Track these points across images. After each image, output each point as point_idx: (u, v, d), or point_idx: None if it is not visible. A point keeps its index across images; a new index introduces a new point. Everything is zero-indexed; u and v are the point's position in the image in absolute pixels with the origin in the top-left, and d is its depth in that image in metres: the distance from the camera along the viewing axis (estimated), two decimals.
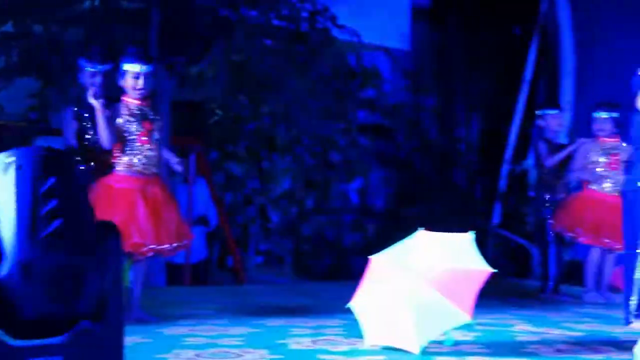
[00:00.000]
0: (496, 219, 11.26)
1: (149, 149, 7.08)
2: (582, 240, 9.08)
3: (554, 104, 9.56)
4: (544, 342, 6.27)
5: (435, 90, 11.33)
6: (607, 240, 8.68)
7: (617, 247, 8.41)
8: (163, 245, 7.05)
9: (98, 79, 7.26)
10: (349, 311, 5.97)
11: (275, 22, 10.09)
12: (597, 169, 9.04)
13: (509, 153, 11.26)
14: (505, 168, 11.29)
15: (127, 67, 7.04)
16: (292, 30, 10.09)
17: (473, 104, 11.40)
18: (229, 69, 10.07)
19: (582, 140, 9.15)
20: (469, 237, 5.85)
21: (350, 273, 6.02)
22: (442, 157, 11.28)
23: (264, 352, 5.62)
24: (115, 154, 7.04)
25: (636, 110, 6.89)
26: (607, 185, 9.00)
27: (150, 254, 7.03)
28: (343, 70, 10.29)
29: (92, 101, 6.89)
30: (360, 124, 10.66)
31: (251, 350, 5.68)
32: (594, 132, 9.11)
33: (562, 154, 9.18)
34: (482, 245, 10.68)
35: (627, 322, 6.84)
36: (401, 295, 5.66)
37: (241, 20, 9.88)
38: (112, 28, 9.20)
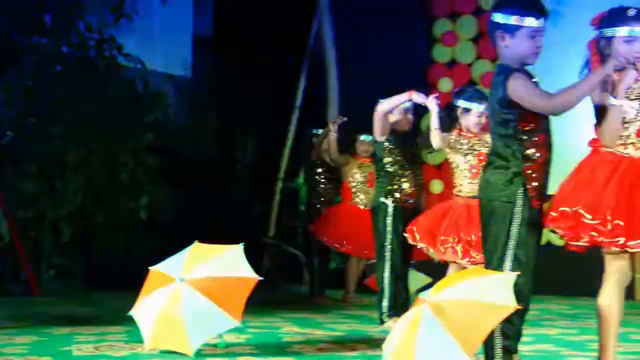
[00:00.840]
0: (271, 231, 11.35)
1: None
2: (344, 250, 9.29)
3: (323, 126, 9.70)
4: (308, 342, 6.37)
5: (215, 114, 11.32)
6: (365, 251, 8.88)
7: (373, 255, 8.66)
8: None
9: None
10: (131, 318, 5.91)
11: (65, 49, 9.89)
12: (352, 184, 9.30)
13: (282, 172, 11.38)
14: (279, 185, 11.40)
15: None
16: (81, 57, 9.91)
17: (250, 127, 11.46)
18: (22, 92, 9.81)
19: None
20: (239, 248, 5.87)
21: (139, 283, 5.93)
22: (222, 175, 11.28)
23: (47, 359, 5.46)
24: None
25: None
26: (360, 200, 9.27)
27: None
28: (130, 95, 10.15)
29: None
30: (147, 144, 10.52)
31: (35, 358, 5.54)
32: (358, 153, 9.36)
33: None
34: (259, 255, 10.79)
35: (382, 322, 7.02)
36: (175, 302, 5.65)
37: (32, 47, 9.65)
38: None
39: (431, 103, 6.78)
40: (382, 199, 7.08)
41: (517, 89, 4.66)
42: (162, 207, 10.65)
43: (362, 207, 9.17)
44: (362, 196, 9.30)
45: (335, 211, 9.48)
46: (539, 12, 4.79)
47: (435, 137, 6.73)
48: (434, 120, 6.78)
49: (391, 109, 7.05)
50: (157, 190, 10.54)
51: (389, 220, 7.03)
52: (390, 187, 7.09)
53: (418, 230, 6.79)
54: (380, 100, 7.12)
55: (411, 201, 7.18)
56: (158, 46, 10.63)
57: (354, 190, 9.36)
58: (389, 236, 7.04)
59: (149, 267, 5.99)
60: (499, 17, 4.79)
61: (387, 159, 7.14)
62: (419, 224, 6.83)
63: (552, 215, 4.65)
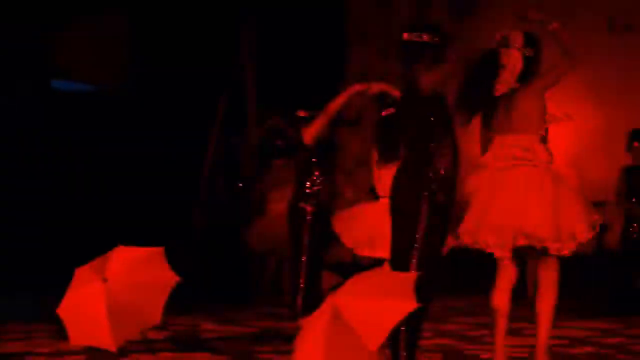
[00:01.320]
0: (194, 234, 11.26)
1: None
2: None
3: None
4: (225, 338, 6.35)
5: (144, 124, 11.17)
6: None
7: None
8: None
9: None
10: (57, 316, 5.83)
11: None
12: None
13: (205, 178, 11.29)
14: (201, 193, 11.32)
15: None
16: None
17: (177, 139, 11.34)
18: None
19: None
20: (160, 250, 5.85)
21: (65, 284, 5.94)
22: (147, 181, 11.15)
23: None
24: None
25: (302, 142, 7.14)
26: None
27: None
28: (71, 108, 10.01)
29: None
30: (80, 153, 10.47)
31: None
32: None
33: None
34: (179, 257, 10.66)
35: (295, 319, 7.03)
36: (99, 301, 5.59)
37: None
38: None
39: (375, 88, 6.64)
40: (300, 203, 7.09)
41: None
42: (86, 212, 10.54)
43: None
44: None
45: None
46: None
47: None
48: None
49: (340, 108, 7.03)
50: (85, 194, 10.43)
51: (307, 224, 7.05)
52: (310, 192, 7.10)
53: None
54: (305, 113, 7.17)
55: (328, 206, 7.21)
56: (92, 62, 10.50)
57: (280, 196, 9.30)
58: (305, 239, 7.05)
59: (75, 268, 5.94)
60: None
61: (311, 166, 7.13)
62: None
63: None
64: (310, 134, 7.00)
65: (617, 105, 9.85)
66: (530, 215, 4.70)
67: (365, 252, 6.80)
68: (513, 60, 4.97)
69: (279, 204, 9.23)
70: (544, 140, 4.95)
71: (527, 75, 4.94)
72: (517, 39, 4.99)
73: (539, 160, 4.86)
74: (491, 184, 4.87)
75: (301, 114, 7.19)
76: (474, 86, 5.00)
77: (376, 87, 6.60)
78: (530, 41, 5.00)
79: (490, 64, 4.96)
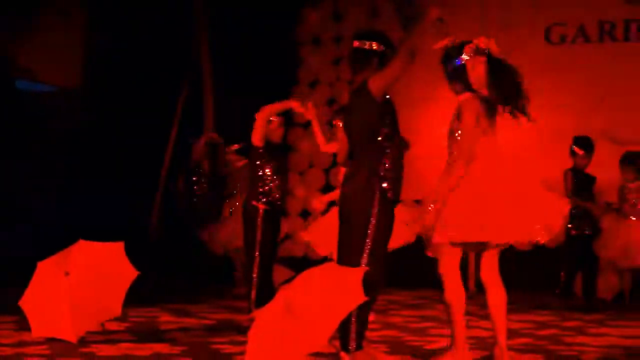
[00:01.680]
0: (152, 230, 11.22)
1: None
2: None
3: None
4: (182, 330, 6.34)
5: (104, 123, 11.08)
6: None
7: None
8: None
9: None
10: (20, 308, 5.83)
11: None
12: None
13: (163, 178, 11.24)
14: (161, 190, 11.28)
15: None
16: None
17: (136, 135, 11.26)
18: None
19: None
20: (120, 246, 5.83)
21: (27, 278, 5.87)
22: (109, 179, 11.07)
23: None
24: None
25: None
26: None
27: None
28: (27, 105, 9.89)
29: None
30: (41, 150, 10.34)
31: None
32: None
33: None
34: (139, 252, 10.61)
35: (250, 311, 7.03)
36: (60, 294, 5.58)
37: None
38: None
39: (310, 113, 6.84)
40: (254, 202, 7.09)
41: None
42: (51, 207, 10.44)
43: None
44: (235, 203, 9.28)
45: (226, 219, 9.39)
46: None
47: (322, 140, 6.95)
48: (316, 127, 7.06)
49: (275, 113, 7.06)
50: (46, 192, 10.33)
51: (260, 221, 7.05)
52: (262, 191, 7.10)
53: None
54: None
55: (279, 204, 7.22)
56: (53, 61, 10.39)
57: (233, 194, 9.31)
58: (258, 236, 7.06)
59: (38, 262, 5.90)
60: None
61: (261, 165, 7.13)
62: None
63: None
64: (255, 135, 7.05)
65: (551, 112, 9.98)
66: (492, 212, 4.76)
67: None
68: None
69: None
70: None
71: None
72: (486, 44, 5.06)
73: None
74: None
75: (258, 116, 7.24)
76: None
77: (311, 114, 6.77)
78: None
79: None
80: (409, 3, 9.80)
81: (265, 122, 7.02)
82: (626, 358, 5.40)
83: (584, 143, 8.67)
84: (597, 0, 9.83)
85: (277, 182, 7.13)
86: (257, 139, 7.03)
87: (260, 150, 7.07)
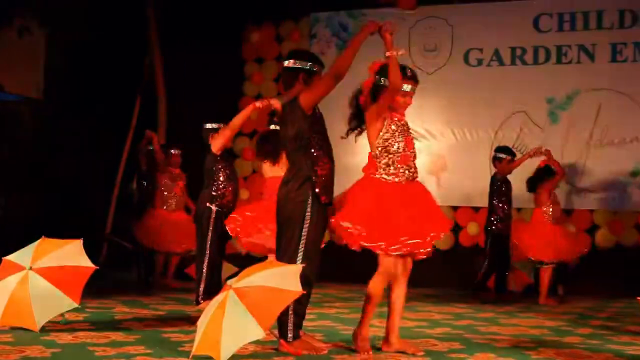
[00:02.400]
0: (108, 229, 11.10)
1: None
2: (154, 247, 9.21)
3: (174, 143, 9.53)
4: (136, 320, 6.29)
5: (64, 132, 10.91)
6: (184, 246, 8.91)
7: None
8: None
9: None
10: None
11: None
12: (166, 193, 9.20)
13: (118, 180, 11.15)
14: (116, 191, 11.16)
15: None
16: None
17: (93, 142, 11.14)
18: None
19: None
20: (79, 242, 5.77)
21: None
22: (69, 181, 10.91)
23: None
24: None
25: (209, 150, 7.10)
26: (169, 205, 9.16)
27: None
28: None
29: None
30: (4, 156, 10.15)
31: None
32: (170, 164, 9.28)
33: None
34: (96, 248, 10.51)
35: (197, 303, 6.99)
36: (24, 286, 5.51)
37: None
38: None
39: (275, 103, 6.62)
40: (208, 204, 7.07)
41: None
42: (15, 207, 10.27)
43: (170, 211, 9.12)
44: (172, 201, 9.20)
45: (149, 215, 9.25)
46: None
47: None
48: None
49: (242, 124, 7.08)
50: (13, 194, 10.16)
51: (212, 221, 7.04)
52: (215, 194, 7.09)
53: None
54: (208, 126, 7.17)
55: (230, 206, 7.22)
56: (15, 73, 10.22)
57: (166, 194, 9.22)
58: (210, 235, 7.04)
59: (2, 257, 5.80)
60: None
61: (217, 171, 7.12)
62: None
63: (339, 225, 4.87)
64: (217, 144, 7.02)
65: (470, 125, 10.13)
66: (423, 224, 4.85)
67: None
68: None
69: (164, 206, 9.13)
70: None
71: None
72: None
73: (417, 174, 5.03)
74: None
75: (207, 125, 7.23)
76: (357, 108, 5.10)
77: (275, 103, 6.62)
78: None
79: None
80: None
81: (233, 135, 7.03)
82: (534, 345, 5.50)
83: (508, 150, 8.85)
84: (509, 29, 10.00)
85: (229, 187, 7.13)
86: (218, 148, 7.03)
87: (218, 158, 7.07)
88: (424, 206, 4.95)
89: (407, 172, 4.95)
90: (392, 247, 4.80)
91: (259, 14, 10.96)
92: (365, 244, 4.81)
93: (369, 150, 5.01)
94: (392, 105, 4.97)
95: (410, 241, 4.82)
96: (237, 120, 6.91)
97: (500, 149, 8.86)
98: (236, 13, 10.81)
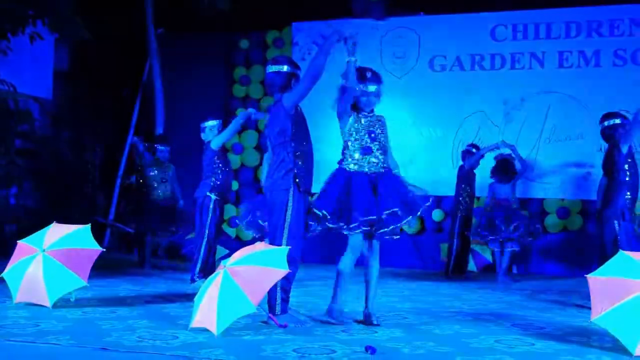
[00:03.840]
0: (111, 215, 11.02)
1: None
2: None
3: (161, 140, 9.23)
4: (139, 297, 6.27)
5: (71, 127, 10.84)
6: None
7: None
8: None
9: None
10: (2, 279, 5.70)
11: None
12: (155, 185, 8.94)
13: (120, 171, 11.07)
14: (118, 181, 11.08)
15: None
16: None
17: (98, 138, 11.07)
18: None
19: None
20: (87, 227, 5.73)
21: (7, 251, 5.73)
22: (75, 173, 10.84)
23: None
24: None
25: (208, 146, 7.09)
26: (158, 194, 8.97)
27: None
28: (4, 110, 9.56)
29: None
30: (17, 148, 10.02)
31: None
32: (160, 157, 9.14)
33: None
34: (102, 233, 10.44)
35: (193, 281, 6.97)
36: (37, 267, 5.51)
37: None
38: None
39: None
40: (208, 193, 7.09)
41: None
42: (28, 195, 10.18)
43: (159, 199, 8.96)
44: (159, 191, 9.02)
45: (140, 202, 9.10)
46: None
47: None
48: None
49: (240, 127, 7.16)
50: (24, 183, 10.06)
51: (211, 207, 7.05)
52: (214, 185, 7.12)
53: None
54: (208, 124, 7.14)
55: (225, 195, 7.30)
56: (27, 75, 10.10)
57: (155, 186, 9.04)
58: (209, 220, 7.05)
59: (18, 241, 5.75)
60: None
61: (216, 165, 7.16)
62: None
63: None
64: (218, 141, 7.08)
65: (434, 124, 10.15)
66: (380, 205, 4.84)
67: None
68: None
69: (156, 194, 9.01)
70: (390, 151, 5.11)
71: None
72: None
73: (386, 165, 5.01)
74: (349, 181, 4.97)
75: (206, 123, 7.26)
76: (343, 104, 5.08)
77: (256, 115, 6.78)
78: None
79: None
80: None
81: (233, 135, 7.09)
82: (493, 317, 5.53)
83: (476, 145, 8.92)
84: (469, 38, 10.02)
85: (225, 178, 7.20)
86: (217, 144, 7.07)
87: (219, 154, 7.13)
88: (387, 191, 4.93)
89: (371, 161, 4.96)
90: (351, 226, 4.83)
91: (246, 24, 10.91)
92: (330, 225, 4.86)
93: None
94: (356, 103, 5.01)
95: (364, 218, 4.82)
96: (235, 126, 7.03)
97: (473, 145, 8.96)
98: (227, 23, 10.75)
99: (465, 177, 8.73)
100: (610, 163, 6.45)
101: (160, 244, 9.51)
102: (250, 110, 6.96)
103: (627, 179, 6.34)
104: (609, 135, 6.58)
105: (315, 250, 9.31)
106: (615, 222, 6.24)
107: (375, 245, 5.06)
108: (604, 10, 9.53)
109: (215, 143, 7.08)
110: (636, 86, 9.17)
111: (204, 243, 7.01)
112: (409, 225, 4.99)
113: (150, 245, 9.00)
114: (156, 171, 8.96)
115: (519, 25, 9.89)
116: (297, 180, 4.89)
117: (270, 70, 5.07)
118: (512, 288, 7.69)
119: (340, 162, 5.08)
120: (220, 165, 7.16)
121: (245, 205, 7.49)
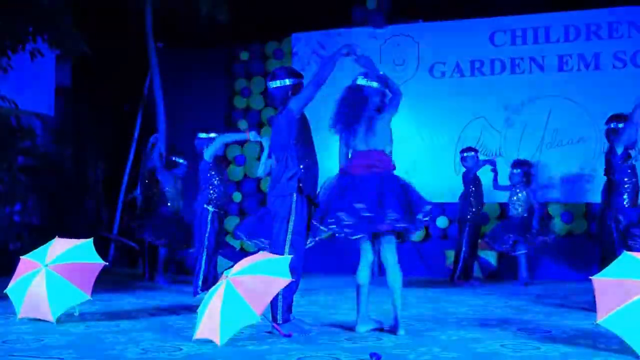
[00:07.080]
0: (115, 230, 11.00)
1: None
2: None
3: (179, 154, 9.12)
4: (143, 309, 6.23)
5: (73, 143, 10.85)
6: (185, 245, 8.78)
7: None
8: None
9: None
10: (6, 295, 5.69)
11: None
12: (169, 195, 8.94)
13: (123, 186, 11.06)
14: (121, 196, 11.06)
15: None
16: None
17: (100, 153, 11.08)
18: None
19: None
20: (89, 241, 5.72)
21: (12, 270, 5.72)
22: (77, 189, 10.83)
23: None
24: None
25: (202, 158, 7.09)
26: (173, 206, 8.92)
27: None
28: (6, 128, 9.56)
29: None
30: (19, 165, 10.02)
31: None
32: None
33: None
34: (105, 247, 10.42)
35: (196, 294, 6.94)
36: (40, 282, 5.48)
37: None
38: None
39: (265, 142, 6.63)
40: (206, 205, 7.07)
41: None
42: (32, 212, 10.17)
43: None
44: (175, 204, 8.88)
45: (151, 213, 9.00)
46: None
47: (262, 166, 6.76)
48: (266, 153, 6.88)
49: (232, 141, 7.21)
50: (27, 199, 10.05)
51: (209, 219, 7.03)
52: (210, 196, 7.10)
53: None
54: (204, 135, 7.14)
55: (223, 207, 7.29)
56: (28, 92, 10.12)
57: (171, 199, 8.96)
58: (207, 232, 7.03)
59: (20, 256, 5.73)
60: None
61: (211, 177, 7.14)
62: None
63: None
64: (210, 152, 7.06)
65: (435, 129, 10.14)
66: (385, 207, 4.78)
67: None
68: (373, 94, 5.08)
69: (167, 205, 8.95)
70: (390, 154, 5.08)
71: (382, 106, 5.07)
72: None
73: (386, 168, 4.97)
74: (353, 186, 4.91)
75: (201, 135, 7.28)
76: (345, 111, 5.05)
77: (262, 144, 6.73)
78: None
79: (357, 96, 5.04)
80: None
81: (223, 146, 7.08)
82: (499, 322, 5.49)
83: (474, 149, 8.88)
84: (468, 44, 10.02)
85: (222, 189, 7.16)
86: (209, 155, 7.06)
87: (210, 164, 7.10)
88: (380, 194, 4.86)
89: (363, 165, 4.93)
90: (329, 220, 4.80)
91: (246, 36, 10.93)
92: (324, 228, 4.88)
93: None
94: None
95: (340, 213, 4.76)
96: (229, 138, 7.05)
97: (469, 148, 8.86)
98: (226, 35, 10.78)
99: (472, 182, 8.68)
100: (608, 164, 6.46)
101: (175, 257, 9.47)
102: (252, 133, 6.90)
103: (625, 179, 6.31)
104: (611, 137, 6.61)
105: (320, 259, 9.27)
106: (613, 223, 6.21)
107: (387, 252, 4.98)
108: (603, 13, 9.53)
109: (207, 154, 7.08)
110: (636, 88, 9.15)
111: (204, 256, 7.00)
112: (409, 230, 4.95)
113: (164, 259, 8.92)
114: (172, 188, 8.83)
115: (518, 30, 9.89)
116: (301, 184, 4.86)
117: (273, 86, 5.07)
118: (517, 292, 7.64)
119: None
120: (217, 177, 7.15)
121: (247, 219, 7.47)
